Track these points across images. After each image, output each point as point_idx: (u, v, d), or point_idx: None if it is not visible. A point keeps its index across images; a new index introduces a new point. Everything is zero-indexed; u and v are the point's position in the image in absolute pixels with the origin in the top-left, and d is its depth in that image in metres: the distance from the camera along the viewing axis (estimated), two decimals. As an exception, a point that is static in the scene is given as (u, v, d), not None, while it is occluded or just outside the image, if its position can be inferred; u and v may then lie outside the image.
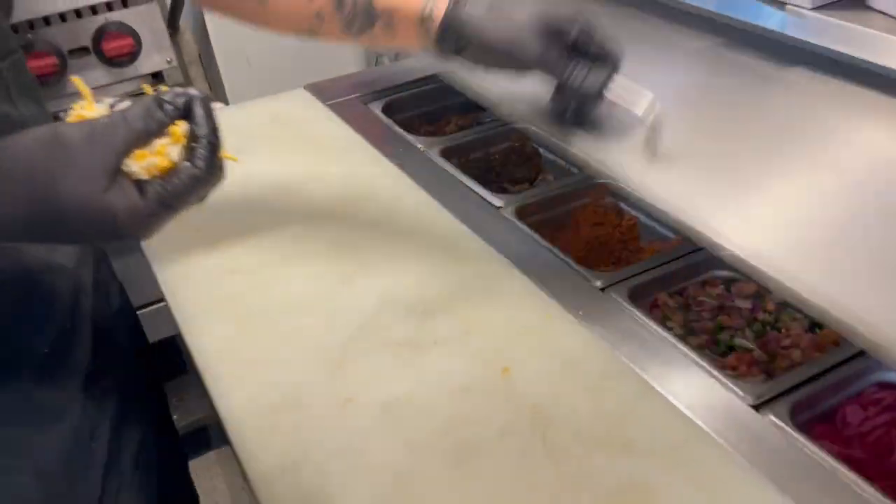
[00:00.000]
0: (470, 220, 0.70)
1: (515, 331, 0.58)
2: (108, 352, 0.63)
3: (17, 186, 0.40)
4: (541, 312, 0.59)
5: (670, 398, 0.51)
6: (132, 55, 1.16)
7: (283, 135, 0.88)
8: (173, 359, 1.44)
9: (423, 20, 0.55)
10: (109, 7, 1.12)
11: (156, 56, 1.19)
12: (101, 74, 1.16)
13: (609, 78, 0.54)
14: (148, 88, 0.43)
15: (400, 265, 0.66)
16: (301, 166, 0.81)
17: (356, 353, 0.57)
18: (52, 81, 1.11)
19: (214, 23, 1.47)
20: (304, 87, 0.98)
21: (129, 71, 1.18)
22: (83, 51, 1.14)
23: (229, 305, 0.63)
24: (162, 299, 1.39)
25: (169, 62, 1.21)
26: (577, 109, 0.57)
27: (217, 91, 1.48)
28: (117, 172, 0.40)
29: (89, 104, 0.43)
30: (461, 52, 0.55)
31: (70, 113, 0.43)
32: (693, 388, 0.51)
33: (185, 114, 0.42)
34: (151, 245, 0.71)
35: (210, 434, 1.24)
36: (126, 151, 0.40)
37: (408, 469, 0.48)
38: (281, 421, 0.52)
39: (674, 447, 0.48)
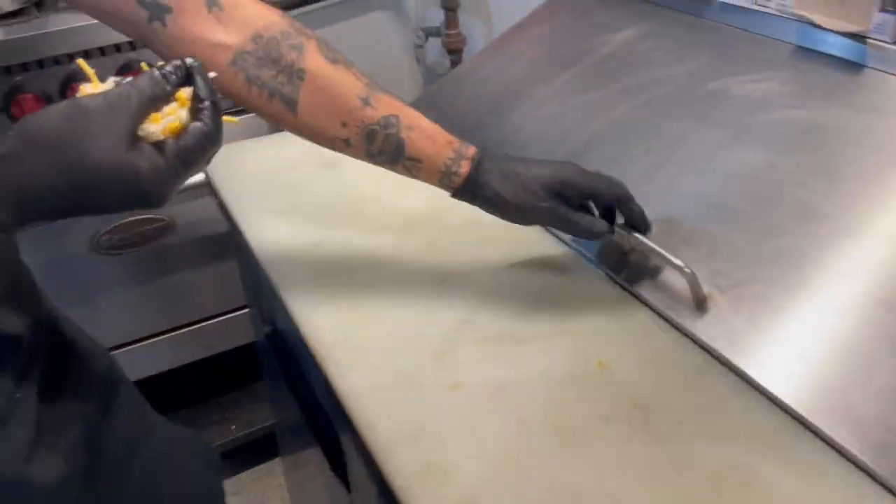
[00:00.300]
0: (556, 231, 0.74)
1: (608, 330, 0.61)
2: (56, 417, 0.58)
3: (49, 156, 0.43)
4: (632, 314, 0.63)
5: (767, 391, 0.54)
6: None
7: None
8: (243, 368, 1.49)
9: (446, 174, 0.61)
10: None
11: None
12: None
13: (615, 223, 0.63)
14: (144, 66, 0.48)
15: (492, 270, 0.70)
16: (391, 178, 0.86)
17: (458, 344, 0.61)
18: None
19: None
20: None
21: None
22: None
23: (338, 300, 0.67)
24: (215, 316, 1.42)
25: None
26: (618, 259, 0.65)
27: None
28: (135, 137, 0.44)
29: (95, 83, 0.48)
30: (476, 203, 0.63)
31: (81, 91, 0.47)
32: (791, 381, 0.54)
33: (187, 81, 0.47)
34: (264, 248, 0.77)
35: (277, 441, 1.28)
36: (141, 116, 0.44)
37: (518, 446, 0.51)
38: (396, 399, 0.56)
39: (773, 438, 0.51)
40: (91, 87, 0.48)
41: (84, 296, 1.29)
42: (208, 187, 1.28)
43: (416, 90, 1.78)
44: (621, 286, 0.66)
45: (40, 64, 1.13)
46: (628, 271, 0.66)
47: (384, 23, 1.71)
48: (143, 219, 1.27)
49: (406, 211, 0.80)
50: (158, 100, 0.45)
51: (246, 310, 1.44)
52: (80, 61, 0.51)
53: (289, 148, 0.96)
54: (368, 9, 1.68)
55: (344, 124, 0.59)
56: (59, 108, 0.44)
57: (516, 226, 0.76)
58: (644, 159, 0.75)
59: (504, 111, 0.90)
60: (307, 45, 0.58)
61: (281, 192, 0.86)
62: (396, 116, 0.60)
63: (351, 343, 0.62)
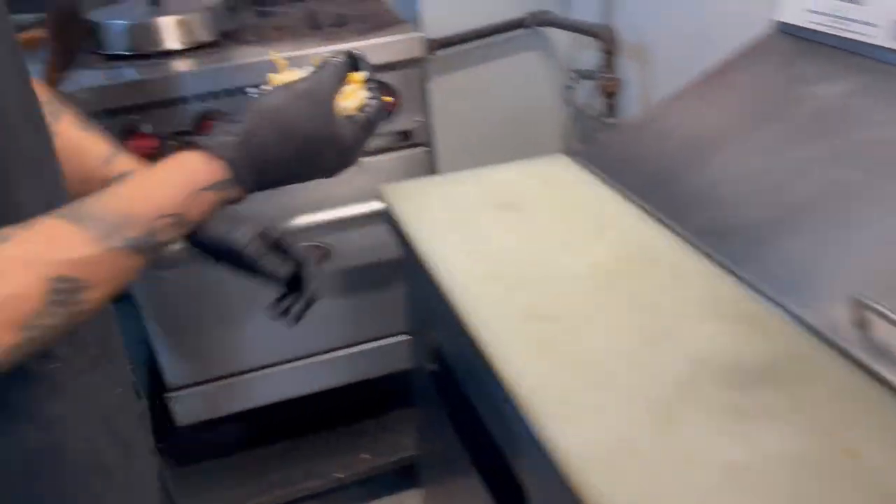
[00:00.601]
0: (767, 293, 0.69)
1: (849, 412, 0.56)
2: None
3: (280, 131, 0.52)
4: (875, 396, 0.57)
5: None
6: (391, 113, 1.27)
7: (555, 195, 0.92)
8: (376, 397, 1.51)
9: None
10: (378, 68, 1.25)
11: (410, 115, 1.30)
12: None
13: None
14: (316, 60, 0.58)
15: (702, 331, 0.66)
16: (579, 225, 0.85)
17: (680, 412, 0.57)
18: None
19: (438, 95, 1.59)
20: (563, 153, 1.03)
21: (383, 126, 1.29)
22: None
23: (542, 350, 0.65)
24: (354, 344, 1.44)
25: (417, 121, 1.31)
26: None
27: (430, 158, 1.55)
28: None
29: (287, 73, 0.58)
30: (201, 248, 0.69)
31: (271, 80, 0.57)
32: None
33: (354, 67, 0.58)
34: (455, 288, 0.76)
35: (419, 474, 1.27)
36: (334, 95, 0.55)
37: (766, 537, 0.47)
38: (623, 467, 0.53)
39: None
40: (279, 77, 0.57)
41: (247, 315, 1.35)
42: (364, 219, 1.31)
43: (560, 130, 1.76)
44: (859, 363, 0.60)
45: (229, 92, 1.20)
46: (868, 347, 0.60)
47: (533, 63, 1.71)
48: (305, 246, 1.31)
49: (599, 259, 0.78)
50: (342, 81, 0.57)
51: (384, 341, 1.45)
52: (273, 53, 0.63)
53: (465, 188, 0.97)
54: (519, 49, 1.69)
55: (84, 181, 0.61)
56: (280, 92, 0.54)
57: (722, 284, 0.72)
58: (875, 227, 0.69)
59: (698, 164, 0.86)
60: (63, 114, 0.63)
61: (467, 233, 0.86)
62: (133, 171, 0.60)
63: (562, 397, 0.60)
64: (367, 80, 0.59)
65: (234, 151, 0.50)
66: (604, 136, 1.35)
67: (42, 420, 0.49)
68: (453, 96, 1.65)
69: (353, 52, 0.59)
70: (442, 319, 0.80)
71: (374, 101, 0.58)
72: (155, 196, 0.47)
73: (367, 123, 0.57)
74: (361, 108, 0.57)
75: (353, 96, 0.57)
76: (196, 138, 0.51)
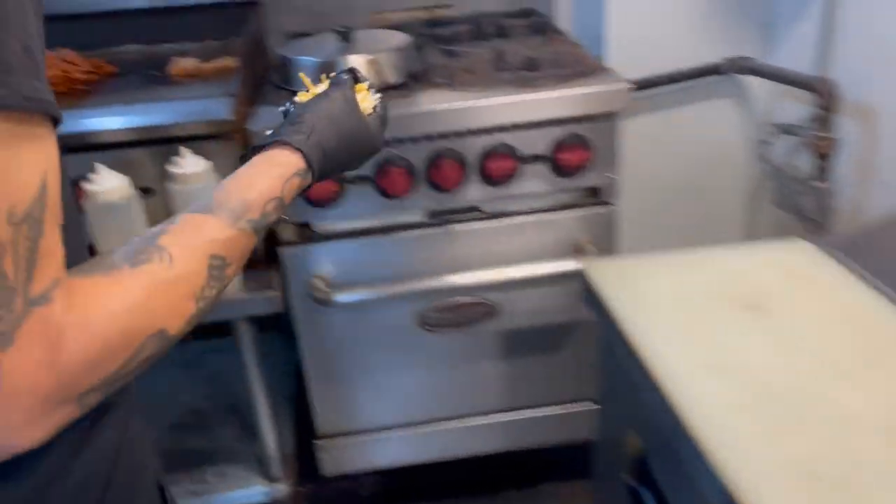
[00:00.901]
0: None
1: None
2: None
3: (332, 128, 0.65)
4: None
5: None
6: (582, 168, 1.16)
7: (807, 295, 0.77)
8: (541, 465, 1.39)
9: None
10: (574, 120, 1.13)
11: (601, 170, 1.17)
12: (541, 182, 1.17)
13: None
14: (324, 78, 0.75)
15: None
16: (851, 342, 0.69)
17: None
18: (504, 180, 1.15)
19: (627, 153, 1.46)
20: (806, 240, 0.87)
21: (567, 182, 1.18)
22: (537, 158, 1.16)
23: (801, 477, 0.51)
24: (520, 408, 1.32)
25: (608, 178, 1.19)
26: None
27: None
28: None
29: (312, 90, 0.72)
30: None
31: (301, 95, 0.72)
32: None
33: (357, 79, 0.74)
34: (702, 422, 0.63)
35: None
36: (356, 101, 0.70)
37: None
38: None
39: None
40: (307, 95, 0.71)
41: (405, 368, 1.28)
42: (536, 280, 1.20)
43: (749, 188, 1.59)
44: None
45: (414, 140, 1.13)
46: None
47: (725, 112, 1.56)
48: (469, 302, 1.23)
49: (882, 395, 0.62)
50: (353, 90, 0.71)
51: (544, 410, 1.34)
52: (302, 75, 0.78)
53: (688, 274, 0.83)
54: (710, 96, 1.54)
55: None
56: (322, 100, 0.67)
57: None
58: None
59: None
60: None
61: (699, 335, 0.72)
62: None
63: None
64: (369, 88, 0.74)
65: (305, 146, 0.61)
66: (875, 225, 1.16)
67: (131, 392, 0.57)
68: (634, 144, 1.51)
69: (354, 70, 0.74)
70: (655, 430, 0.67)
71: (383, 103, 0.75)
72: (262, 184, 0.56)
73: (383, 119, 0.74)
74: (374, 108, 0.73)
75: (365, 101, 0.72)
76: (277, 136, 0.61)
